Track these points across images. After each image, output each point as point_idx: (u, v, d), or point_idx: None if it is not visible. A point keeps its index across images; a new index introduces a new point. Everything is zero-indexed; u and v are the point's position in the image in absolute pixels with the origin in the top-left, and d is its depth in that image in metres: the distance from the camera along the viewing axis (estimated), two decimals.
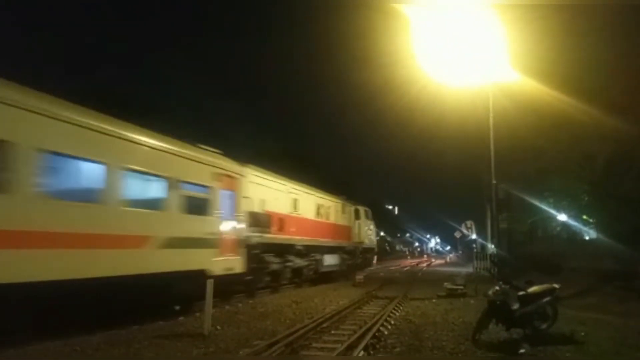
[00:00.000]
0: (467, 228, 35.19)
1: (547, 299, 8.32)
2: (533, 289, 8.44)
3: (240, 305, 12.69)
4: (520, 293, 8.20)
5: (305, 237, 18.67)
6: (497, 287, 8.27)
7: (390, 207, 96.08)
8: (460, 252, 75.83)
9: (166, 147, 10.39)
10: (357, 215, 25.96)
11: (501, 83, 18.55)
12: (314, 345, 8.00)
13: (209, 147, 12.46)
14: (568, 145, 21.02)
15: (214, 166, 11.98)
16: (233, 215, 12.85)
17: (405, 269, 38.94)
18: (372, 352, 7.36)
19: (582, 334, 8.39)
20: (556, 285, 8.58)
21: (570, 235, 29.70)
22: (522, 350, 7.14)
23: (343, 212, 24.25)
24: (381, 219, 31.81)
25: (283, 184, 17.50)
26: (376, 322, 9.55)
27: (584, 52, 16.09)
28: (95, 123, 8.54)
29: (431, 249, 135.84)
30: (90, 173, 8.66)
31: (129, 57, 72.44)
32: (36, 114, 7.37)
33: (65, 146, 7.97)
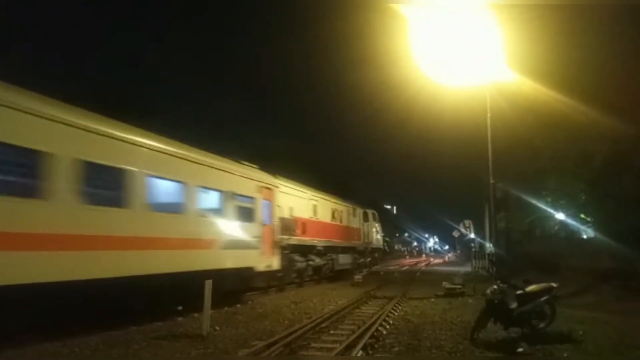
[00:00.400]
0: (466, 227, 35.31)
1: (545, 297, 8.35)
2: (531, 288, 8.47)
3: (239, 305, 12.69)
4: (519, 292, 8.23)
5: (323, 239, 20.69)
6: (495, 286, 8.31)
7: (389, 206, 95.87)
8: (458, 251, 75.87)
9: (226, 167, 12.81)
10: (365, 218, 28.06)
11: (499, 83, 18.58)
12: (313, 345, 8.01)
13: (249, 163, 14.82)
14: (565, 145, 21.09)
15: (256, 180, 14.40)
16: (270, 221, 14.98)
17: (404, 268, 38.96)
18: (370, 352, 7.37)
19: (580, 332, 8.42)
20: (554, 284, 8.61)
21: (568, 234, 29.76)
22: (520, 349, 7.16)
23: (354, 215, 26.22)
24: (380, 219, 32.47)
25: (305, 192, 19.56)
26: (375, 322, 9.55)
27: (581, 52, 16.13)
28: (180, 151, 10.91)
29: (430, 248, 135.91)
30: (176, 190, 10.85)
31: (128, 56, 72.42)
32: (145, 149, 9.73)
33: (162, 171, 10.29)
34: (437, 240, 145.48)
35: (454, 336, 8.49)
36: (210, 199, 12.08)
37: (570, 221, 27.60)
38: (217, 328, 9.35)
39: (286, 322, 10.27)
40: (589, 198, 22.87)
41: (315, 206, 20.20)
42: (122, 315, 9.26)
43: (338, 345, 7.63)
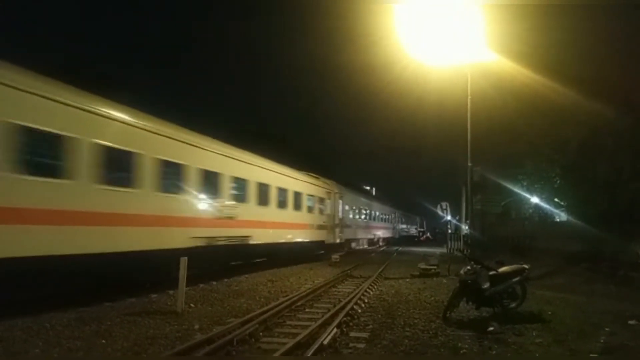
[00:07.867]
0: (443, 209, 35.74)
1: (517, 278, 8.53)
2: (503, 269, 8.64)
3: (214, 283, 12.66)
4: (491, 273, 8.38)
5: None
6: (468, 267, 8.44)
7: (368, 187, 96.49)
8: (436, 232, 77.00)
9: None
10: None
11: (481, 65, 18.53)
12: (288, 322, 8.04)
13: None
14: (544, 129, 21.35)
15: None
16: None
17: (381, 248, 39.36)
18: (345, 330, 7.42)
19: (550, 313, 8.66)
20: (526, 266, 8.79)
21: (541, 218, 30.35)
22: (490, 328, 7.31)
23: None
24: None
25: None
26: (350, 301, 9.62)
27: (560, 34, 16.23)
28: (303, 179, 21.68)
29: None
30: (297, 197, 20.02)
31: (101, 34, 70.31)
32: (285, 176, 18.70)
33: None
34: None
35: (427, 315, 8.63)
36: (309, 200, 22.15)
37: (544, 205, 28.13)
38: (192, 305, 9.32)
39: (262, 300, 10.29)
40: (564, 182, 23.29)
41: (372, 211, 33.74)
42: (95, 292, 9.14)
43: (313, 323, 7.66)
